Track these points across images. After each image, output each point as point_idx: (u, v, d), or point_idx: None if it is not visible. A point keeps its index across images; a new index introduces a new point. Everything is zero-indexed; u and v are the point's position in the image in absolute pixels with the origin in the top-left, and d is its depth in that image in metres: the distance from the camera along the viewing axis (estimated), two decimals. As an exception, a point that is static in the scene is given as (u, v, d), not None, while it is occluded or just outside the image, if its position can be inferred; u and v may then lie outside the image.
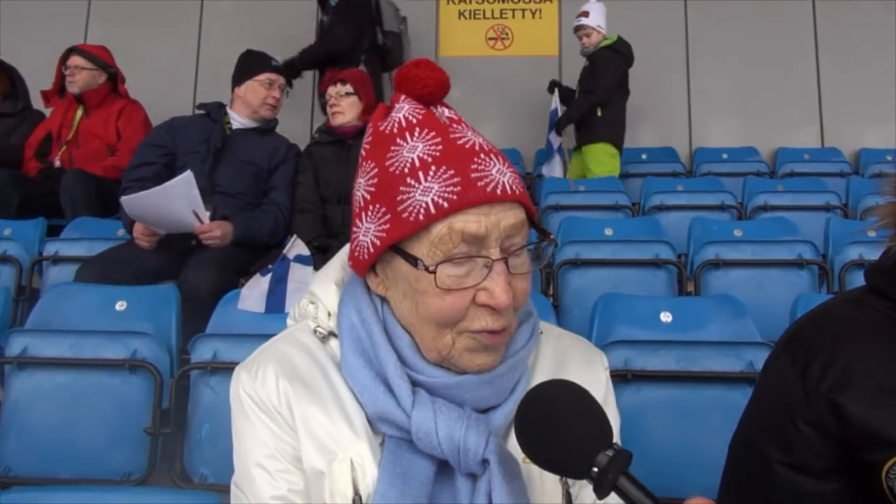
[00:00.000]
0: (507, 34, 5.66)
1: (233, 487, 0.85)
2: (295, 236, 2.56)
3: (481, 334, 0.77)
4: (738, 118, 5.38)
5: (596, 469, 0.63)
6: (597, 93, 4.32)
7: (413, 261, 0.77)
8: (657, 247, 2.79)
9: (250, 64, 3.04)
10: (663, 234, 3.07)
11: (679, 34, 5.53)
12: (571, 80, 5.48)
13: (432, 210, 0.75)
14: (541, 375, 0.87)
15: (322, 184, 2.96)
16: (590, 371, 0.91)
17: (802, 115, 5.32)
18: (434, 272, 0.75)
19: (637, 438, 1.79)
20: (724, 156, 5.03)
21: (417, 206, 0.76)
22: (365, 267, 0.84)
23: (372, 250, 0.80)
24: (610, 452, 0.64)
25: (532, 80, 5.46)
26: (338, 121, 3.00)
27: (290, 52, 4.80)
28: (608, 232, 3.11)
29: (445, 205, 0.75)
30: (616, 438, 0.90)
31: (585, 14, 4.43)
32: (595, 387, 0.88)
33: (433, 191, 0.75)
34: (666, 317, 2.08)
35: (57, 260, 2.91)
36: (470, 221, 0.75)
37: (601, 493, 0.63)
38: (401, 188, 0.77)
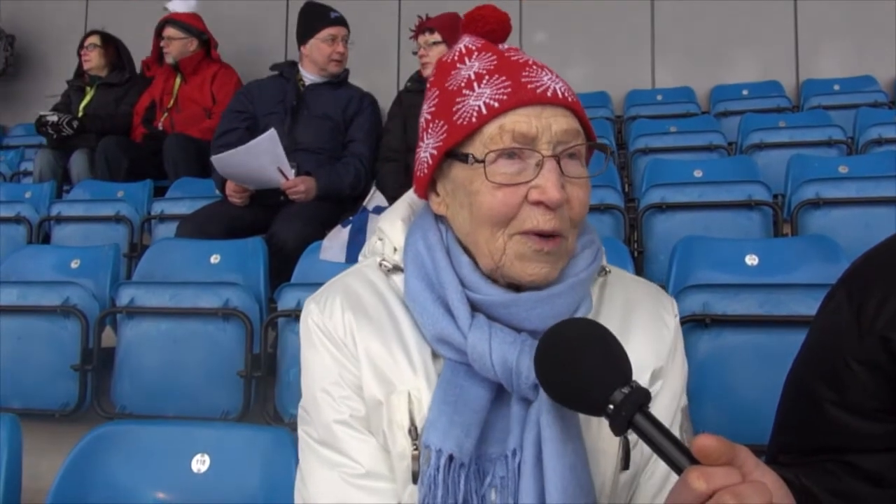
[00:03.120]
0: (595, -30, 5.39)
1: (300, 412, 0.90)
2: (374, 188, 2.62)
3: (531, 237, 0.78)
4: (852, 45, 4.87)
5: (612, 406, 0.63)
6: None
7: (465, 157, 0.80)
8: (750, 187, 2.63)
9: (310, 21, 3.05)
10: (758, 174, 2.89)
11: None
12: (664, 17, 5.19)
13: (484, 111, 0.79)
14: (608, 319, 0.86)
15: (410, 132, 2.98)
16: (658, 317, 0.90)
17: (930, 37, 4.76)
18: (484, 161, 0.78)
19: (718, 385, 1.73)
20: (836, 87, 4.60)
21: (470, 110, 0.80)
22: (426, 183, 0.87)
23: (430, 162, 0.85)
24: (626, 390, 0.63)
25: (622, 18, 5.20)
26: (427, 70, 3.00)
27: (374, 2, 4.84)
28: (697, 174, 2.97)
29: (496, 104, 0.79)
30: (681, 390, 0.89)
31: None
32: (663, 334, 0.88)
33: (485, 95, 0.80)
34: (751, 260, 1.98)
35: (163, 218, 3.14)
36: (520, 122, 0.78)
37: (616, 429, 0.63)
38: (456, 100, 0.82)
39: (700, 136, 3.65)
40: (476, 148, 0.80)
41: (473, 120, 0.79)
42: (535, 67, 0.82)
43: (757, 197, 2.58)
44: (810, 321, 1.66)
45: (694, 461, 0.58)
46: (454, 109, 0.82)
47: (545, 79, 0.81)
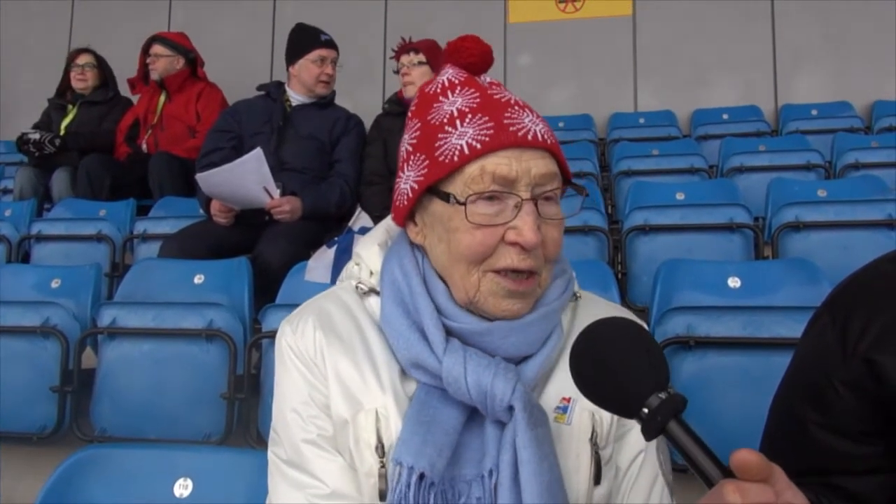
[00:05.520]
0: (578, -4, 5.48)
1: (271, 433, 0.91)
2: (360, 209, 2.62)
3: (506, 277, 0.81)
4: (829, 71, 4.99)
5: (646, 410, 0.61)
6: None
7: (446, 196, 0.83)
8: (732, 210, 2.67)
9: (300, 42, 3.06)
10: (739, 197, 2.94)
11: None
12: (646, 41, 5.28)
13: (466, 151, 0.81)
14: None
15: (390, 155, 2.98)
16: None
17: (903, 65, 4.88)
18: (464, 203, 0.81)
19: (700, 407, 1.74)
20: (814, 112, 4.71)
21: (453, 149, 0.82)
22: (404, 214, 0.90)
23: (411, 195, 0.87)
24: (663, 395, 0.61)
25: (605, 42, 5.29)
26: (409, 92, 2.99)
27: (360, 23, 4.83)
28: (679, 196, 3.01)
29: (478, 146, 0.81)
30: None
31: None
32: None
33: (468, 134, 0.82)
34: (734, 282, 2.00)
35: (146, 237, 3.11)
36: (501, 164, 0.80)
37: (648, 434, 0.61)
38: (439, 135, 0.85)
39: (682, 159, 3.71)
40: (457, 187, 0.82)
41: (455, 159, 0.82)
42: (516, 108, 0.85)
43: (738, 220, 2.62)
44: (792, 343, 1.69)
45: (727, 474, 0.57)
46: (436, 145, 0.84)
47: (526, 120, 0.83)
